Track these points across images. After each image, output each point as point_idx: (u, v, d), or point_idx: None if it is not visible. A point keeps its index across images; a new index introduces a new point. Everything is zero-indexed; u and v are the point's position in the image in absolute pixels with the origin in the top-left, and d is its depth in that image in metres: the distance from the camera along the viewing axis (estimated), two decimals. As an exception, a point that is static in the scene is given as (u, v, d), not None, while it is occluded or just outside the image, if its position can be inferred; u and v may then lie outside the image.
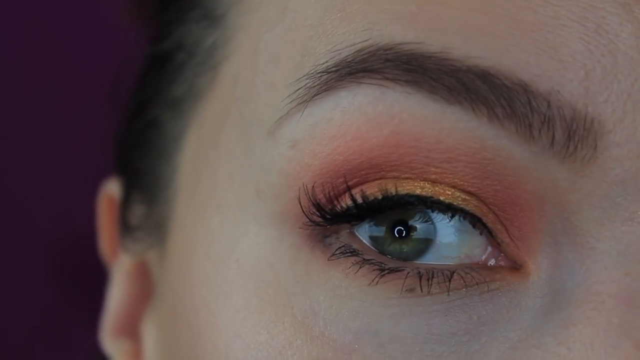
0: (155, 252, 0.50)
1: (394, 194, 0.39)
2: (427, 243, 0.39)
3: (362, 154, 0.38)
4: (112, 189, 0.56)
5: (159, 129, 0.49)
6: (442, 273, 0.39)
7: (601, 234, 0.37)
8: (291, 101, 0.40)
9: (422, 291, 0.38)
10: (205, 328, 0.42)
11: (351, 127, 0.39)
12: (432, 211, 0.39)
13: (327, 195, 0.39)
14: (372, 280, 0.39)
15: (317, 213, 0.39)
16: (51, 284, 0.78)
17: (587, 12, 0.37)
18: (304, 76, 0.39)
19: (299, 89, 0.40)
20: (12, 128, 0.77)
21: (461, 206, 0.38)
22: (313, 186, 0.39)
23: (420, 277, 0.39)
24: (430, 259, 0.39)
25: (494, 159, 0.38)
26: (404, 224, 0.39)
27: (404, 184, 0.39)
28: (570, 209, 0.38)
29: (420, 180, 0.38)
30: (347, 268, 0.39)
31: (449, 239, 0.39)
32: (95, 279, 0.61)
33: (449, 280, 0.38)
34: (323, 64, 0.39)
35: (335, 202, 0.39)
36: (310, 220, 0.40)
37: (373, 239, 0.40)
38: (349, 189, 0.39)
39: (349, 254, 0.39)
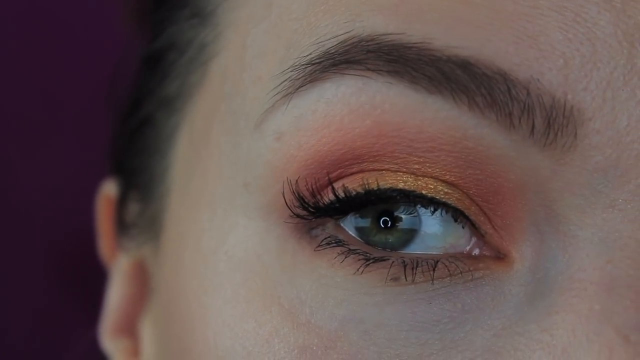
0: (150, 249, 0.50)
1: (375, 188, 0.39)
2: (412, 233, 0.40)
3: (346, 144, 0.39)
4: (110, 189, 0.57)
5: (153, 126, 0.50)
6: (427, 262, 0.39)
7: (583, 222, 0.38)
8: (276, 94, 0.40)
9: (406, 280, 0.39)
10: (196, 320, 0.42)
11: (335, 118, 0.39)
12: (415, 205, 0.39)
13: (310, 189, 0.40)
14: (357, 270, 0.39)
15: (301, 207, 0.40)
16: (51, 284, 0.78)
17: (566, 2, 0.37)
18: (288, 68, 0.40)
19: (284, 81, 0.40)
20: (12, 128, 0.77)
21: (443, 200, 0.39)
22: (297, 180, 0.40)
23: (405, 267, 0.39)
24: (415, 249, 0.40)
25: (476, 148, 0.38)
26: (390, 214, 0.40)
27: (386, 178, 0.39)
28: (552, 197, 0.38)
29: (403, 173, 0.39)
30: (333, 258, 0.40)
31: (433, 229, 0.40)
32: (94, 279, 0.62)
33: (433, 270, 0.39)
34: (307, 56, 0.39)
35: (319, 197, 0.40)
36: (295, 214, 0.40)
37: (359, 229, 0.40)
38: (330, 182, 0.39)
39: (335, 245, 0.40)
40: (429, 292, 0.39)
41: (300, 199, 0.40)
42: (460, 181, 0.39)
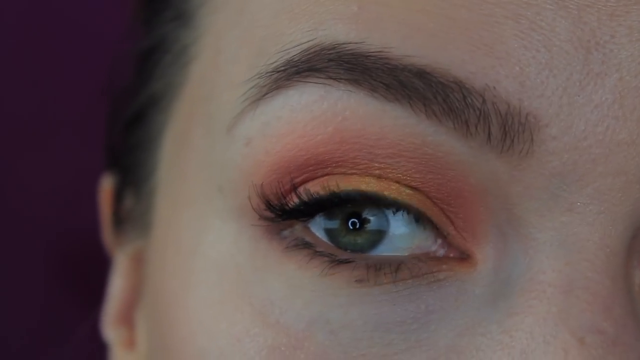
0: (143, 244, 0.52)
1: (338, 190, 0.40)
2: (380, 235, 0.40)
3: (309, 150, 0.40)
4: (113, 181, 0.58)
5: (144, 123, 0.51)
6: (390, 264, 0.40)
7: (542, 225, 0.38)
8: (245, 99, 0.41)
9: (370, 282, 0.40)
10: (175, 319, 0.43)
11: (298, 125, 0.40)
12: (379, 206, 0.40)
13: (275, 192, 0.40)
14: (322, 271, 0.40)
15: (268, 210, 0.41)
16: (51, 284, 0.78)
17: (522, 9, 0.38)
18: (255, 75, 0.41)
19: (252, 87, 0.41)
20: (12, 128, 0.78)
21: (406, 201, 0.39)
22: (262, 184, 0.41)
23: (369, 269, 0.40)
24: (383, 251, 0.40)
25: (435, 154, 0.39)
26: (358, 216, 0.41)
27: (349, 180, 0.40)
28: (512, 201, 0.38)
29: (365, 176, 0.39)
30: (300, 260, 0.40)
31: (400, 230, 0.40)
32: (95, 277, 0.62)
33: (396, 272, 0.39)
34: (273, 63, 0.40)
35: (284, 200, 0.40)
36: (262, 217, 0.41)
37: (328, 231, 0.41)
38: (294, 187, 0.40)
39: (302, 246, 0.40)
40: (392, 294, 0.39)
41: (267, 202, 0.41)
42: (421, 186, 0.39)
